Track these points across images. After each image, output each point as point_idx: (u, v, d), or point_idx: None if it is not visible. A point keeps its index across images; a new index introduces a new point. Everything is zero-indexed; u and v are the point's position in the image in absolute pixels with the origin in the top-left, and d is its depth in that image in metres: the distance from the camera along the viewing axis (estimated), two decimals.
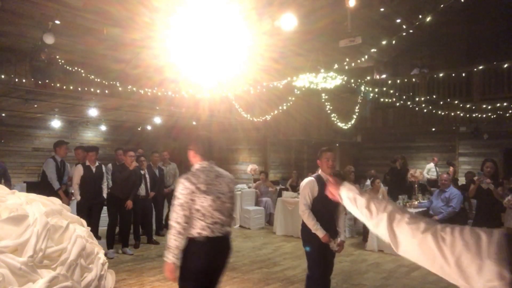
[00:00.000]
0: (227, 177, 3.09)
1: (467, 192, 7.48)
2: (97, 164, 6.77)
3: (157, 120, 12.68)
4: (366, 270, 5.89)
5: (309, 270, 3.80)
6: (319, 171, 3.85)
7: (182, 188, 2.78)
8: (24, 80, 7.38)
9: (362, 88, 10.84)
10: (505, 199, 5.19)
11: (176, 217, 2.73)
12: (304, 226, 3.79)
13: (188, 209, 2.75)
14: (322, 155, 3.79)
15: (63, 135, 13.46)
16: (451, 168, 10.92)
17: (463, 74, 10.61)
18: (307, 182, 3.80)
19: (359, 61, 8.15)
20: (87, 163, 6.68)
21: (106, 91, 8.35)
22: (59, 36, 6.94)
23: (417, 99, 10.93)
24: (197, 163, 3.02)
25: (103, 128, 14.35)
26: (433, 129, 12.33)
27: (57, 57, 7.46)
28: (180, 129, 15.15)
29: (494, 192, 5.23)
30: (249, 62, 8.38)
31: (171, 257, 2.68)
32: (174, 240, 2.68)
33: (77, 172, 6.55)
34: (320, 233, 3.65)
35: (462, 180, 10.41)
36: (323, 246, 3.72)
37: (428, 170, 11.63)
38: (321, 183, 3.63)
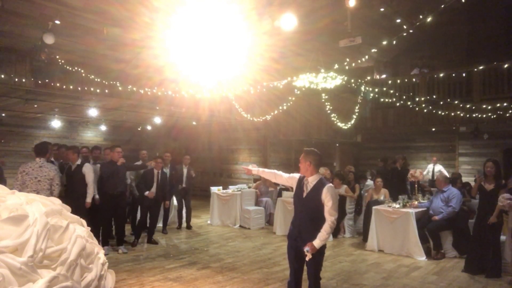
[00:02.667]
0: (48, 168, 5.52)
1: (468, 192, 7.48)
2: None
3: (157, 120, 12.68)
4: (366, 270, 5.88)
5: (318, 273, 3.70)
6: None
7: (19, 169, 5.43)
8: (24, 80, 7.39)
9: (362, 88, 10.84)
10: (500, 201, 5.18)
11: (14, 185, 5.29)
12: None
13: (22, 181, 5.35)
14: None
15: (63, 135, 13.48)
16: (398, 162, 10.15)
17: (463, 74, 10.61)
18: (295, 176, 3.85)
19: (359, 61, 8.14)
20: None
21: (106, 91, 8.36)
22: (59, 36, 6.94)
23: (417, 99, 10.92)
24: (35, 159, 5.55)
25: (103, 128, 14.36)
26: (433, 129, 12.33)
27: (57, 57, 7.47)
28: (180, 129, 15.16)
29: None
30: (249, 62, 8.38)
31: None
32: None
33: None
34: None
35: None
36: (291, 246, 3.69)
37: (427, 171, 11.71)
38: (300, 182, 3.69)
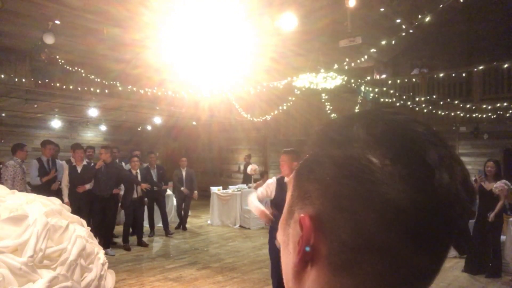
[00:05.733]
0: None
1: None
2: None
3: (157, 120, 12.67)
4: None
5: None
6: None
7: None
8: (24, 80, 7.39)
9: (362, 88, 10.84)
10: (493, 187, 5.24)
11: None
12: None
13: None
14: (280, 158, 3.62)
15: (63, 135, 13.47)
16: None
17: (463, 74, 10.60)
18: (270, 183, 3.69)
19: (359, 61, 8.15)
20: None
21: (106, 91, 8.36)
22: (59, 36, 6.94)
23: (417, 99, 10.92)
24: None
25: (103, 128, 14.34)
26: (433, 129, 12.33)
27: (57, 57, 7.47)
28: (180, 129, 15.16)
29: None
30: (249, 62, 8.39)
31: None
32: None
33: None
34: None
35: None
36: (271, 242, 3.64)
37: None
38: (281, 185, 3.57)
